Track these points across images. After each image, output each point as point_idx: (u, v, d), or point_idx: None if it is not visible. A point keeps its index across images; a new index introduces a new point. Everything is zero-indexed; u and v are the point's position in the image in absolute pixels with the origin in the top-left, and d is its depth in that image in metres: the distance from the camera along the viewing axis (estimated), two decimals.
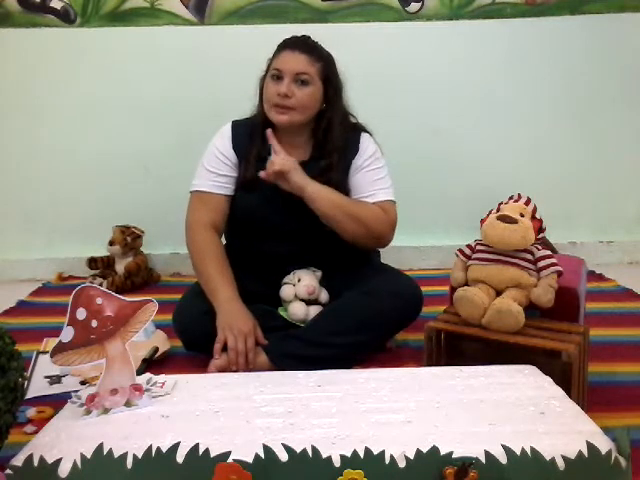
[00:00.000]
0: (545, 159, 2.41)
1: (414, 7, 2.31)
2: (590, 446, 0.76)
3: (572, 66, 2.34)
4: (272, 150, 1.44)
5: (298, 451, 0.74)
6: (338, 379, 1.03)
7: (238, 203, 1.52)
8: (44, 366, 1.44)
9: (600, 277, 2.19)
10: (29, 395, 1.28)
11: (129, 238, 2.24)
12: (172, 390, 0.99)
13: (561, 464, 0.75)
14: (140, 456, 0.75)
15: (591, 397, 1.18)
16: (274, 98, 1.43)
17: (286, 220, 1.49)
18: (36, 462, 0.76)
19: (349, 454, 0.74)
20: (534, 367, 1.05)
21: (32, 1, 2.28)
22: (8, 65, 2.31)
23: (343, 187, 1.49)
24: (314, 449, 0.74)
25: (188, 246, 1.49)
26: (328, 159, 1.48)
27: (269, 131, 1.46)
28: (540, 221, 1.24)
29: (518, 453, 0.75)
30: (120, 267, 2.24)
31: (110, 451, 0.76)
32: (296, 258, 1.51)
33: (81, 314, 0.93)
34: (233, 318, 1.35)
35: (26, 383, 1.18)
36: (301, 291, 1.47)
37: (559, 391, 0.96)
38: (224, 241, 1.57)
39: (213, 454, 0.74)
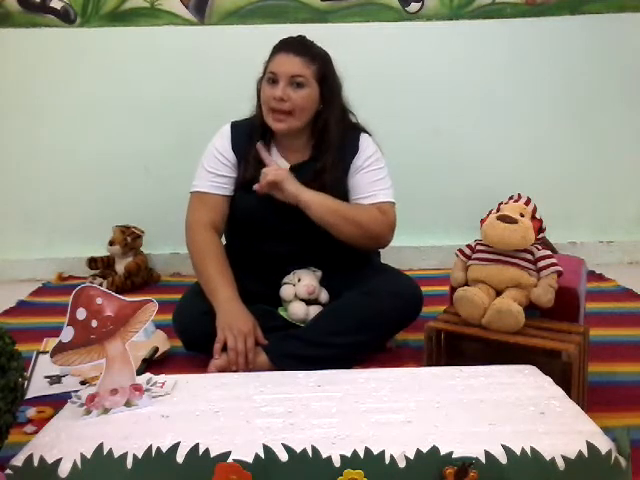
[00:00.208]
0: (545, 159, 2.41)
1: (414, 7, 2.31)
2: (590, 446, 0.76)
3: (572, 66, 2.34)
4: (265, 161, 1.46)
5: (298, 451, 0.74)
6: (338, 379, 1.03)
7: (238, 203, 1.52)
8: (44, 366, 1.44)
9: (600, 277, 2.19)
10: (29, 395, 1.28)
11: (129, 238, 2.24)
12: (172, 390, 0.99)
13: (561, 464, 0.75)
14: (140, 456, 0.75)
15: (591, 397, 1.18)
16: (270, 102, 1.43)
17: (286, 220, 1.48)
18: (36, 462, 0.76)
19: (349, 454, 0.74)
20: (534, 367, 1.05)
21: (32, 1, 2.28)
22: (8, 65, 2.31)
23: (340, 188, 1.49)
24: (314, 449, 0.74)
25: (188, 246, 1.49)
26: (323, 160, 1.47)
27: (259, 145, 1.47)
28: (540, 221, 1.24)
29: (518, 453, 0.75)
30: (120, 267, 2.24)
31: (110, 451, 0.76)
32: (296, 258, 1.51)
33: (81, 314, 0.93)
34: (233, 318, 1.35)
35: (26, 383, 1.18)
36: (301, 291, 1.47)
37: (559, 391, 0.96)
38: (224, 241, 1.57)
39: (213, 454, 0.74)
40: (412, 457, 0.75)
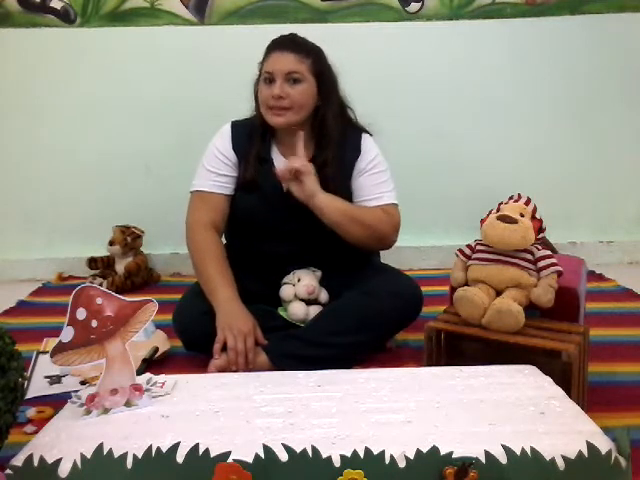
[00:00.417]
0: (545, 159, 2.41)
1: (414, 7, 2.31)
2: (590, 446, 0.76)
3: (572, 66, 2.34)
4: (297, 149, 1.43)
5: (298, 451, 0.74)
6: (338, 379, 1.03)
7: (238, 203, 1.52)
8: (44, 366, 1.44)
9: (600, 277, 2.19)
10: (29, 395, 1.28)
11: (129, 238, 2.24)
12: (172, 390, 0.99)
13: (561, 464, 0.75)
14: (140, 456, 0.75)
15: (591, 397, 1.18)
16: (269, 101, 1.43)
17: (286, 220, 1.49)
18: (36, 462, 0.76)
19: (349, 454, 0.74)
20: (534, 367, 1.05)
21: (32, 1, 2.28)
22: (8, 65, 2.31)
23: (343, 186, 1.49)
24: (314, 449, 0.74)
25: (188, 246, 1.49)
26: (323, 156, 1.47)
27: (300, 133, 1.44)
28: (540, 221, 1.24)
29: (518, 453, 0.75)
30: (120, 267, 2.24)
31: (110, 451, 0.76)
32: (296, 258, 1.52)
33: (81, 314, 0.93)
34: (233, 318, 1.35)
35: (26, 383, 1.18)
36: (301, 291, 1.47)
37: (559, 391, 0.96)
38: (224, 241, 1.57)
39: (213, 454, 0.74)
40: (412, 457, 0.74)
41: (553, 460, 0.75)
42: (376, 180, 1.51)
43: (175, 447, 0.75)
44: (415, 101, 2.34)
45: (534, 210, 1.25)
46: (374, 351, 1.47)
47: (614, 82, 2.36)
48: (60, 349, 0.92)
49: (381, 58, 2.32)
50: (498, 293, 1.21)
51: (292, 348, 1.37)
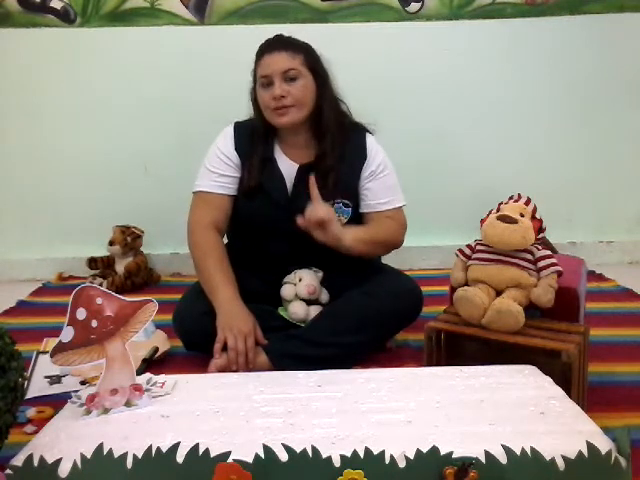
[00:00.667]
0: (545, 159, 2.41)
1: (414, 7, 2.31)
2: (590, 446, 0.76)
3: (572, 66, 2.34)
4: (311, 197, 1.36)
5: (298, 451, 0.74)
6: (338, 379, 1.03)
7: (240, 209, 1.52)
8: (44, 366, 1.44)
9: (600, 277, 2.19)
10: (29, 395, 1.28)
11: (129, 238, 2.24)
12: (172, 390, 0.99)
13: (561, 464, 0.75)
14: (140, 456, 0.75)
15: (591, 397, 1.18)
16: (271, 103, 1.43)
17: (288, 220, 1.48)
18: (36, 462, 0.76)
19: (349, 454, 0.74)
20: (534, 367, 1.05)
21: (32, 1, 2.28)
22: (8, 65, 2.31)
23: (348, 186, 1.50)
24: (314, 449, 0.74)
25: (190, 246, 1.49)
26: (322, 147, 1.48)
27: (312, 180, 1.37)
28: (540, 221, 1.24)
29: (518, 453, 0.75)
30: (120, 267, 2.24)
31: (110, 451, 0.76)
32: (297, 258, 1.52)
33: (81, 314, 0.93)
34: (233, 318, 1.35)
35: (26, 383, 1.18)
36: (302, 291, 1.47)
37: (559, 391, 0.96)
38: (226, 240, 1.57)
39: (213, 454, 0.74)
40: (412, 457, 0.74)
41: (553, 460, 0.75)
42: (385, 183, 1.52)
43: (175, 447, 0.75)
44: (415, 101, 2.34)
45: (534, 210, 1.25)
46: (374, 351, 1.47)
47: (614, 82, 2.36)
48: (60, 349, 0.92)
49: (381, 58, 2.32)
50: (498, 293, 1.21)
51: (292, 348, 1.37)
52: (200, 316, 1.40)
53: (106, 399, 0.93)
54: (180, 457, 0.75)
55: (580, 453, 0.75)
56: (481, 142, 2.39)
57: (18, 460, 0.78)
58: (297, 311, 1.47)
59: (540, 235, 1.23)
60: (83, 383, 1.33)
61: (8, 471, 0.76)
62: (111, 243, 2.23)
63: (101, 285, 2.07)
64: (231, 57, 2.22)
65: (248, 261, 1.55)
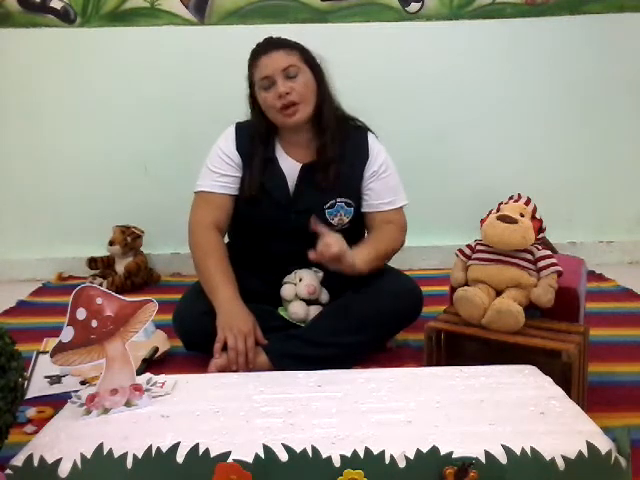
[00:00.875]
0: (545, 159, 2.41)
1: (414, 7, 2.31)
2: (590, 446, 0.76)
3: (572, 66, 2.34)
4: (320, 234, 1.31)
5: (298, 451, 0.74)
6: (338, 379, 1.03)
7: (241, 210, 1.52)
8: (44, 366, 1.44)
9: (600, 277, 2.19)
10: (29, 395, 1.28)
11: (129, 238, 2.24)
12: (172, 390, 0.99)
13: (561, 464, 0.75)
14: (140, 456, 0.75)
15: (591, 397, 1.18)
16: (276, 103, 1.43)
17: (289, 219, 1.49)
18: (36, 462, 0.76)
19: (349, 454, 0.74)
20: (534, 367, 1.05)
21: (32, 1, 2.28)
22: (8, 65, 2.31)
23: (349, 185, 1.50)
24: (314, 449, 0.74)
25: (190, 246, 1.50)
26: (323, 140, 1.48)
27: (320, 229, 1.32)
28: (540, 221, 1.24)
29: (518, 453, 0.75)
30: (120, 267, 2.24)
31: (110, 451, 0.76)
32: (298, 258, 1.51)
33: (81, 314, 0.93)
34: (233, 318, 1.35)
35: (26, 383, 1.18)
36: (302, 291, 1.47)
37: (559, 391, 0.96)
38: (227, 240, 1.58)
39: (213, 454, 0.74)
40: (412, 457, 0.74)
41: (553, 460, 0.75)
42: (388, 184, 1.52)
43: (175, 447, 0.75)
44: (415, 101, 2.34)
45: (534, 210, 1.25)
46: (374, 351, 1.47)
47: (614, 82, 2.36)
48: (60, 349, 0.92)
49: (381, 58, 2.31)
50: (498, 293, 1.21)
51: (292, 348, 1.37)
52: (200, 316, 1.40)
53: (106, 399, 0.93)
54: (180, 457, 0.75)
55: (580, 453, 0.75)
56: (481, 142, 2.39)
57: (18, 460, 0.78)
58: (297, 311, 1.47)
59: (540, 235, 1.23)
60: (83, 383, 1.33)
61: (8, 471, 0.76)
62: (111, 243, 2.23)
63: (101, 285, 2.07)
64: (231, 57, 2.21)
65: (248, 261, 1.55)
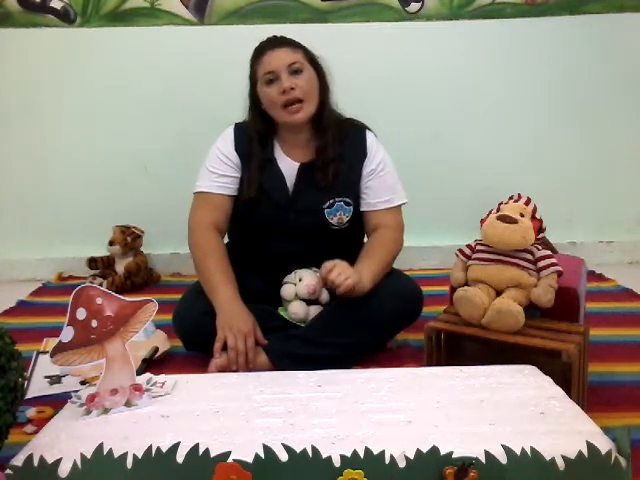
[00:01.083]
0: (545, 159, 2.41)
1: (414, 7, 2.31)
2: (590, 446, 0.76)
3: (572, 66, 2.34)
4: (325, 270, 1.32)
5: (298, 451, 0.74)
6: (338, 379, 1.03)
7: (241, 210, 1.52)
8: (44, 366, 1.44)
9: (600, 277, 2.19)
10: (29, 395, 1.28)
11: (129, 238, 2.24)
12: (172, 390, 0.99)
13: (561, 464, 0.75)
14: (140, 456, 0.75)
15: (591, 397, 1.18)
16: (280, 99, 1.43)
17: (288, 219, 1.49)
18: (36, 462, 0.76)
19: (349, 454, 0.74)
20: (534, 367, 1.05)
21: (32, 1, 2.27)
22: (8, 65, 2.31)
23: (348, 184, 1.50)
24: (314, 449, 0.74)
25: (190, 246, 1.50)
26: (324, 140, 1.48)
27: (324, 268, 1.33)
28: (540, 221, 1.24)
29: (518, 453, 0.75)
30: (120, 267, 2.24)
31: (110, 451, 0.76)
32: (298, 257, 1.52)
33: (81, 314, 0.93)
34: (233, 317, 1.35)
35: (26, 383, 1.18)
36: (302, 291, 1.47)
37: (559, 391, 0.96)
38: (226, 240, 1.58)
39: (213, 454, 0.74)
40: (412, 457, 0.74)
41: (553, 460, 0.75)
42: (386, 182, 1.52)
43: (175, 447, 0.75)
44: (415, 101, 2.34)
45: (534, 210, 1.25)
46: (374, 351, 1.47)
47: (614, 82, 2.36)
48: (60, 349, 0.92)
49: (381, 58, 2.31)
50: (498, 293, 1.21)
51: (292, 348, 1.37)
52: (200, 316, 1.40)
53: (106, 399, 0.93)
54: (180, 457, 0.75)
55: (580, 453, 0.75)
56: (481, 142, 2.39)
57: (18, 460, 0.78)
58: (297, 311, 1.47)
59: (540, 235, 1.23)
60: (83, 383, 1.33)
61: (8, 471, 0.76)
62: (111, 243, 2.23)
63: (101, 285, 2.07)
64: (231, 57, 2.21)
65: (248, 261, 1.55)
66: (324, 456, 0.74)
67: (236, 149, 1.52)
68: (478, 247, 1.26)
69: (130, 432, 0.84)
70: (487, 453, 0.75)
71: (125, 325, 0.95)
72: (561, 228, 2.31)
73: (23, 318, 1.89)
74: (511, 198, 1.29)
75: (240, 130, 1.55)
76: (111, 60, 2.31)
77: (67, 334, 0.92)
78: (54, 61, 2.31)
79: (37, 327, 1.77)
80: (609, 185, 2.43)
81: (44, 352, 1.54)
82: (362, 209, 1.53)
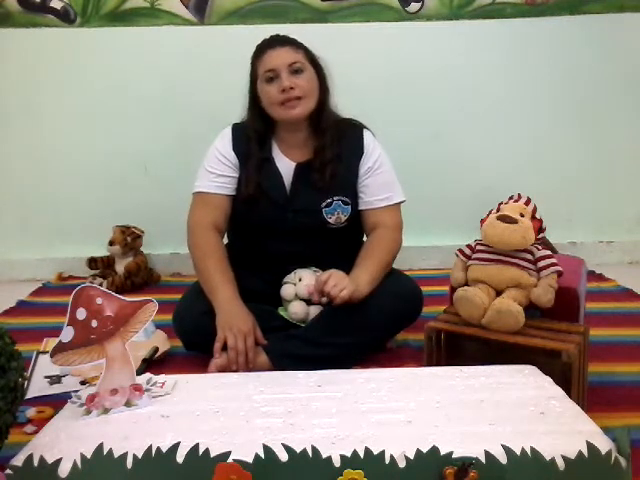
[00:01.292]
0: (545, 159, 2.41)
1: (414, 7, 2.31)
2: (590, 446, 0.76)
3: (572, 66, 2.34)
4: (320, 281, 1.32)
5: (298, 451, 0.74)
6: (338, 379, 1.03)
7: (239, 210, 1.52)
8: (44, 366, 1.44)
9: (600, 277, 2.19)
10: (29, 395, 1.28)
11: (129, 238, 2.24)
12: (172, 390, 0.99)
13: (561, 464, 0.75)
14: (140, 456, 0.75)
15: (591, 397, 1.18)
16: (279, 97, 1.43)
17: (288, 219, 1.49)
18: (36, 462, 0.76)
19: (349, 454, 0.74)
20: (534, 367, 1.05)
21: (32, 1, 2.27)
22: (8, 65, 2.31)
23: (346, 182, 1.50)
24: (314, 449, 0.74)
25: (189, 247, 1.50)
26: (323, 141, 1.48)
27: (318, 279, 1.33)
28: (540, 221, 1.24)
29: (518, 453, 0.75)
30: (120, 267, 2.24)
31: (110, 451, 0.76)
32: (297, 257, 1.52)
33: (81, 314, 0.93)
34: (233, 317, 1.35)
35: (26, 383, 1.18)
36: (302, 291, 1.47)
37: (559, 391, 0.96)
38: (226, 240, 1.58)
39: (213, 454, 0.74)
40: (412, 457, 0.74)
41: (553, 460, 0.75)
42: (383, 180, 1.52)
43: (175, 447, 0.75)
44: (415, 101, 2.34)
45: (534, 210, 1.25)
46: (374, 351, 1.47)
47: (614, 82, 2.36)
48: (60, 349, 0.92)
49: (381, 58, 2.31)
50: (498, 293, 1.21)
51: (292, 348, 1.37)
52: (200, 316, 1.40)
53: (106, 399, 0.93)
54: (180, 457, 0.75)
55: (580, 453, 0.75)
56: (481, 142, 2.39)
57: (18, 460, 0.78)
58: (297, 311, 1.47)
59: (540, 235, 1.23)
60: (83, 383, 1.33)
61: (8, 471, 0.76)
62: (111, 243, 2.23)
63: (101, 285, 2.07)
64: (231, 57, 2.21)
65: (248, 261, 1.55)
66: (324, 456, 0.74)
67: (234, 149, 1.52)
68: (478, 247, 1.26)
69: (130, 432, 0.84)
70: (487, 453, 0.75)
71: (125, 325, 0.95)
72: (561, 228, 2.31)
73: (23, 318, 1.89)
74: (511, 198, 1.29)
75: (238, 130, 1.55)
76: (111, 60, 2.31)
77: (67, 334, 0.92)
78: (54, 61, 2.31)
79: (37, 327, 1.77)
80: (609, 185, 2.43)
81: (44, 352, 1.53)
82: (360, 208, 1.53)
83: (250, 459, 0.74)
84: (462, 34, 2.32)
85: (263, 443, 0.75)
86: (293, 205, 1.49)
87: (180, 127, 2.31)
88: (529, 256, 1.20)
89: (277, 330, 1.43)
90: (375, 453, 0.74)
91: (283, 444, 0.75)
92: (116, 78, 2.32)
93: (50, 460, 0.76)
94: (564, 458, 0.75)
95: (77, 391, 0.99)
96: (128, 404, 0.93)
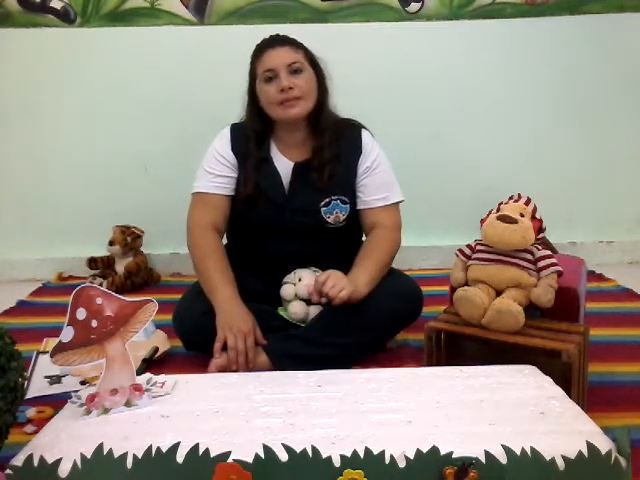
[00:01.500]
0: (545, 159, 2.41)
1: (414, 7, 2.31)
2: (590, 446, 0.76)
3: (572, 66, 2.34)
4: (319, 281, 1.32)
5: (298, 451, 0.74)
6: (338, 379, 1.03)
7: (238, 210, 1.52)
8: (44, 366, 1.44)
9: (600, 277, 2.19)
10: (29, 395, 1.28)
11: (129, 238, 2.24)
12: (172, 390, 0.99)
13: (561, 464, 0.75)
14: (140, 456, 0.75)
15: (591, 397, 1.18)
16: (277, 97, 1.43)
17: (287, 219, 1.49)
18: (36, 462, 0.76)
19: (349, 454, 0.74)
20: (534, 367, 1.05)
21: (32, 1, 2.27)
22: (8, 65, 2.31)
23: (344, 182, 1.50)
24: (314, 449, 0.74)
25: (189, 247, 1.50)
26: (321, 141, 1.48)
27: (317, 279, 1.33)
28: (540, 221, 1.24)
29: (518, 453, 0.75)
30: (120, 267, 2.24)
31: (110, 451, 0.76)
32: (297, 257, 1.52)
33: (81, 314, 0.93)
34: (233, 317, 1.35)
35: (26, 383, 1.18)
36: (301, 290, 1.47)
37: (559, 391, 0.96)
38: (225, 240, 1.58)
39: (213, 454, 0.74)
40: (412, 457, 0.74)
41: (553, 460, 0.75)
42: (381, 179, 1.52)
43: (175, 447, 0.75)
44: (415, 101, 2.34)
45: (534, 210, 1.25)
46: (374, 351, 1.47)
47: (614, 82, 2.36)
48: (60, 349, 0.92)
49: (381, 58, 2.31)
50: (498, 293, 1.21)
51: (292, 348, 1.37)
52: (200, 316, 1.40)
53: (106, 399, 0.93)
54: (180, 457, 0.75)
55: (580, 453, 0.75)
56: (481, 142, 2.39)
57: (18, 460, 0.78)
58: (297, 311, 1.47)
59: (540, 235, 1.23)
60: (83, 383, 1.33)
61: (8, 471, 0.76)
62: (111, 243, 2.23)
63: (101, 285, 2.07)
64: (231, 57, 2.21)
65: (248, 261, 1.55)
66: (324, 456, 0.74)
67: (233, 149, 1.52)
68: (478, 247, 1.26)
69: (130, 432, 0.84)
70: (487, 453, 0.75)
71: (125, 325, 0.95)
72: (561, 228, 2.31)
73: (23, 318, 1.89)
74: (511, 198, 1.29)
75: (237, 130, 1.55)
76: (111, 60, 2.31)
77: (67, 334, 0.92)
78: (54, 61, 2.31)
79: (37, 327, 1.77)
80: (609, 185, 2.43)
81: (44, 352, 1.53)
82: (358, 207, 1.53)
83: (250, 459, 0.74)
84: (462, 34, 2.32)
85: (263, 443, 0.75)
86: (291, 205, 1.49)
87: (180, 127, 2.31)
88: (529, 256, 1.20)
89: (277, 330, 1.43)
90: (375, 453, 0.74)
91: (283, 444, 0.75)
92: (116, 78, 2.32)
93: (50, 460, 0.76)
94: (564, 458, 0.75)
95: (77, 391, 0.99)
96: (128, 404, 0.93)
